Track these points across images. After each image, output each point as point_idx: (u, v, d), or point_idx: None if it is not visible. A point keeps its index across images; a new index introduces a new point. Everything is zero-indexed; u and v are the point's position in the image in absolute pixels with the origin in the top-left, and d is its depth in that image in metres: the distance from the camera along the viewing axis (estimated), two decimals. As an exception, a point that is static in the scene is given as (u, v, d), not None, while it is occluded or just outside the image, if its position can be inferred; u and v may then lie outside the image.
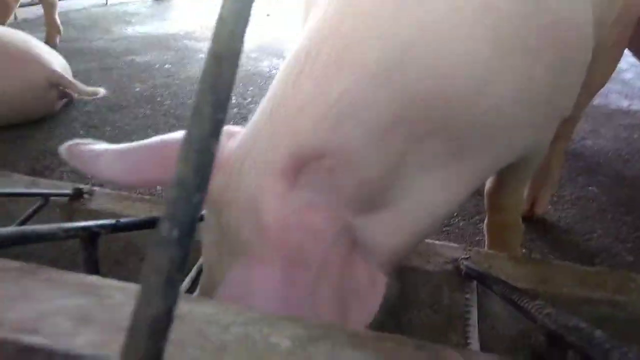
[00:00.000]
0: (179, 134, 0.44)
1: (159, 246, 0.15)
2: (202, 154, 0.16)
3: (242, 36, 0.18)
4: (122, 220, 0.41)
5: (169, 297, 0.15)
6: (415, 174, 0.43)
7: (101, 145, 0.41)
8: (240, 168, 0.39)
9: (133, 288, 0.26)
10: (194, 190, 0.16)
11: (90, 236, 0.36)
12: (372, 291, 0.39)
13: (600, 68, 0.91)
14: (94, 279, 0.26)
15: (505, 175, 0.74)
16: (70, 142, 0.41)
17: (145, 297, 0.14)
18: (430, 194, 0.44)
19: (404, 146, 0.40)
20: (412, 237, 0.44)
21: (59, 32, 2.24)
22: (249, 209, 0.37)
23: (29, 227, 0.31)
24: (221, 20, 0.18)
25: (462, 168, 0.45)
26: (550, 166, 1.07)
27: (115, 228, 0.39)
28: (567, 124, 1.03)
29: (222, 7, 0.18)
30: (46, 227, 0.32)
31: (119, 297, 0.24)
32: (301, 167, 0.37)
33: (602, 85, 1.01)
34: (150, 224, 0.45)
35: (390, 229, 0.42)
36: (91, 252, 0.36)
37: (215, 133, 0.17)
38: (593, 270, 0.69)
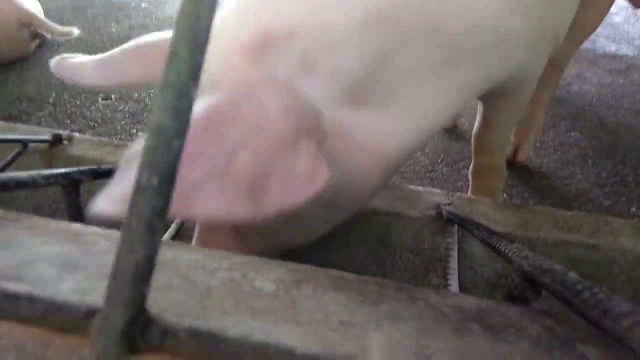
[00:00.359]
0: (157, 36, 0.43)
1: (139, 194, 0.15)
2: (180, 100, 0.16)
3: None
4: (103, 167, 0.40)
5: (150, 244, 0.15)
6: (404, 79, 0.41)
7: (86, 57, 0.43)
8: (210, 48, 0.37)
9: (117, 235, 0.26)
10: (172, 137, 0.15)
11: (71, 183, 0.35)
12: (304, 183, 0.36)
13: (592, 11, 0.90)
14: (77, 226, 0.26)
15: (493, 115, 0.74)
16: (58, 57, 0.44)
17: (126, 245, 0.14)
18: (419, 103, 0.43)
19: (391, 46, 0.39)
20: (397, 145, 0.43)
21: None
22: (213, 87, 0.35)
23: (8, 174, 0.30)
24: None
25: (453, 78, 0.44)
26: (535, 113, 1.08)
27: (96, 174, 0.39)
28: (555, 70, 1.02)
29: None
30: (26, 175, 0.32)
31: (103, 244, 0.24)
32: (271, 45, 0.36)
33: (593, 29, 1.00)
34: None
35: (373, 130, 0.41)
36: (73, 199, 0.36)
37: (194, 77, 0.16)
38: (569, 214, 0.71)
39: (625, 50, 1.69)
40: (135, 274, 0.14)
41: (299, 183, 0.35)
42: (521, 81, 0.58)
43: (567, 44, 0.98)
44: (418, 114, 0.44)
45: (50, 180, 0.33)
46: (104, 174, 0.40)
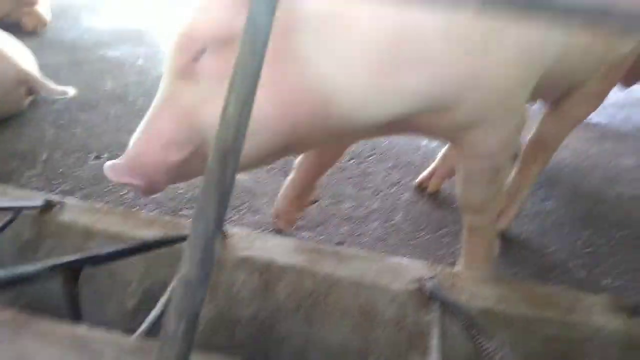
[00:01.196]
0: None
1: (167, 343, 0.17)
2: (205, 252, 0.18)
3: (245, 133, 0.20)
4: (105, 251, 0.41)
5: (175, 390, 0.16)
6: None
7: None
8: None
9: (121, 341, 0.27)
10: (198, 287, 0.18)
11: (71, 273, 0.37)
12: None
13: (585, 98, 0.96)
14: (83, 330, 0.27)
15: (459, 165, 0.78)
16: None
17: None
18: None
19: None
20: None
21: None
22: None
23: (15, 271, 0.32)
24: (225, 120, 0.19)
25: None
26: (520, 187, 1.12)
27: (97, 260, 0.40)
28: (543, 150, 1.09)
29: (226, 106, 0.20)
30: (32, 268, 0.33)
31: (110, 353, 0.26)
32: None
33: (586, 115, 1.06)
34: (131, 251, 0.46)
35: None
36: (72, 289, 0.37)
37: (217, 231, 0.19)
38: (546, 290, 0.74)
39: (597, 118, 1.77)
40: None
41: None
42: (470, 122, 0.65)
43: (559, 127, 1.04)
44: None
45: (54, 272, 0.35)
46: (106, 259, 0.41)
